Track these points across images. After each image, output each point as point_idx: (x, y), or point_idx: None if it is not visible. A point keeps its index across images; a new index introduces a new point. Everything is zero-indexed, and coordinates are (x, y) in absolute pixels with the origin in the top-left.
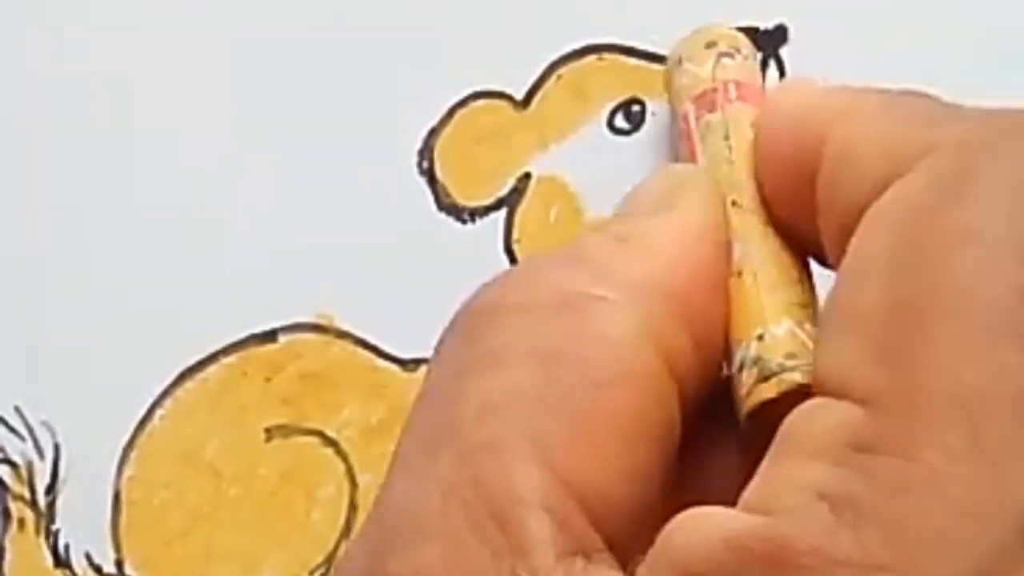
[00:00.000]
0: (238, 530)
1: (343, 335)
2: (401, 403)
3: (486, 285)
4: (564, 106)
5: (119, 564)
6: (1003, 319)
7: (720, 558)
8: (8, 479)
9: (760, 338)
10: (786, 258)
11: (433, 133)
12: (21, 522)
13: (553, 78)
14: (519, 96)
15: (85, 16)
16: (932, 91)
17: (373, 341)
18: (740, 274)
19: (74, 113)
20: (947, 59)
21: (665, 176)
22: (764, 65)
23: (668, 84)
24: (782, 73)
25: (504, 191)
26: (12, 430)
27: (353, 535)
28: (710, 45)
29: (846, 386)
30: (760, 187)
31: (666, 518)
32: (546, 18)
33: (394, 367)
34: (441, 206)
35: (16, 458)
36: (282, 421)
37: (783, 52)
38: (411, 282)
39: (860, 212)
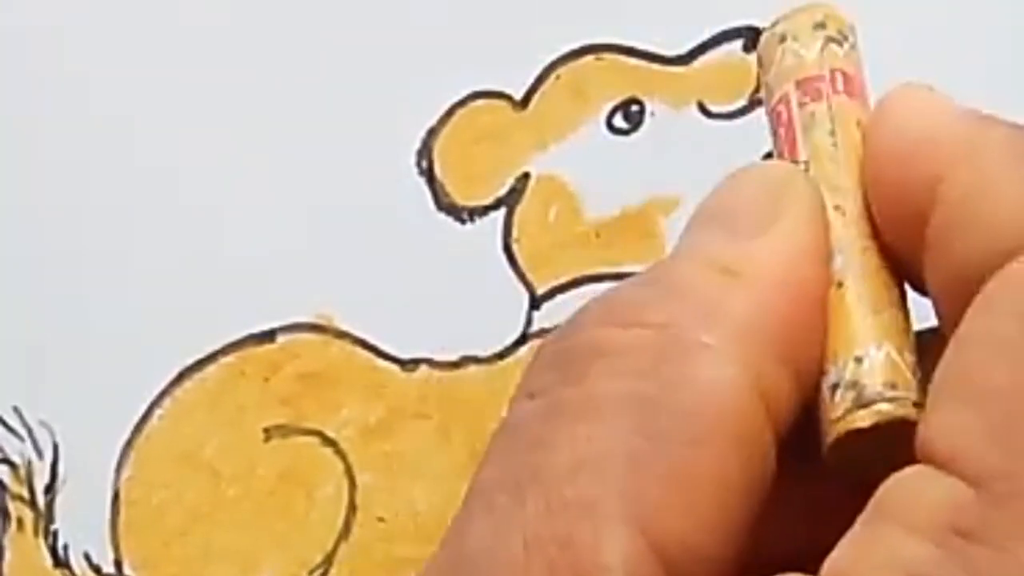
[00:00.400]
0: (237, 530)
1: (342, 335)
2: (400, 403)
3: (585, 314)
4: (563, 106)
5: (118, 564)
6: None
7: None
8: (7, 479)
9: (859, 360)
10: (887, 278)
11: (432, 133)
12: (20, 522)
13: (552, 78)
14: (518, 96)
15: (85, 16)
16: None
17: (372, 341)
18: (841, 285)
19: (74, 114)
20: (947, 59)
21: (764, 181)
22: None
23: (765, 61)
24: None
25: (503, 191)
26: (11, 430)
27: (352, 535)
28: (818, 26)
29: (958, 461)
30: (866, 197)
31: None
32: (545, 18)
33: (393, 367)
34: (440, 206)
35: (15, 458)
36: (281, 421)
37: None
38: (410, 282)
39: (979, 268)
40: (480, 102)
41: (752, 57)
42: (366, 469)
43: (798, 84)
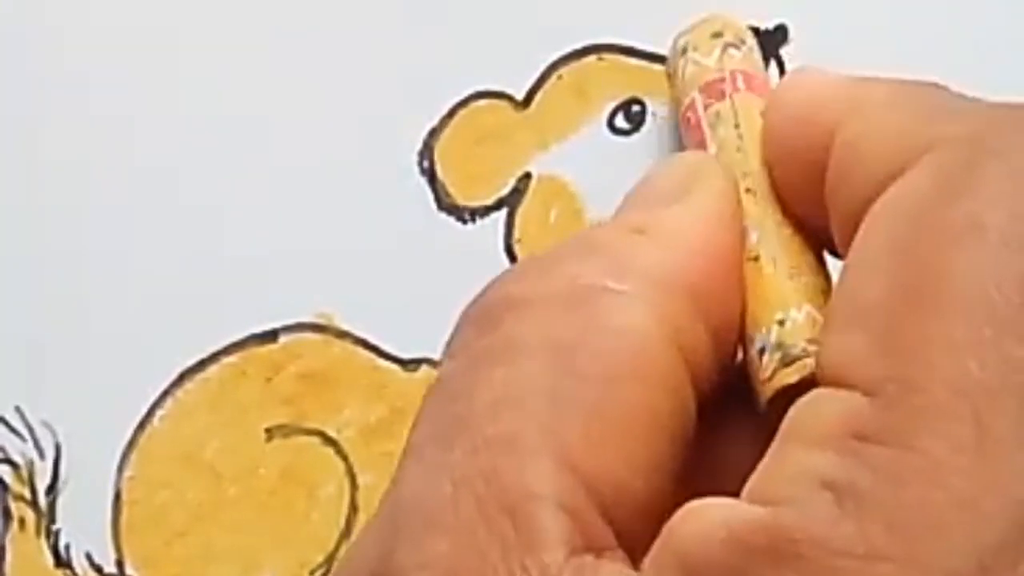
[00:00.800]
0: (238, 530)
1: (343, 335)
2: (401, 403)
3: (500, 277)
4: (564, 106)
5: (119, 564)
6: (1007, 313)
7: (722, 551)
8: (9, 479)
9: (781, 323)
10: (801, 245)
11: (433, 133)
12: (22, 522)
13: (553, 78)
14: (519, 96)
15: (85, 16)
16: None
17: (373, 341)
18: (757, 259)
19: (74, 113)
20: (947, 58)
21: (678, 164)
22: (764, 65)
23: (672, 73)
24: (782, 73)
25: (504, 191)
26: (12, 430)
27: (354, 535)
28: (716, 35)
29: (850, 376)
30: (772, 176)
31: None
32: (546, 18)
33: (394, 367)
34: (441, 206)
35: (17, 458)
36: (282, 421)
37: (783, 52)
38: (411, 282)
39: (867, 206)
40: (481, 102)
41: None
42: (368, 469)
43: (701, 89)
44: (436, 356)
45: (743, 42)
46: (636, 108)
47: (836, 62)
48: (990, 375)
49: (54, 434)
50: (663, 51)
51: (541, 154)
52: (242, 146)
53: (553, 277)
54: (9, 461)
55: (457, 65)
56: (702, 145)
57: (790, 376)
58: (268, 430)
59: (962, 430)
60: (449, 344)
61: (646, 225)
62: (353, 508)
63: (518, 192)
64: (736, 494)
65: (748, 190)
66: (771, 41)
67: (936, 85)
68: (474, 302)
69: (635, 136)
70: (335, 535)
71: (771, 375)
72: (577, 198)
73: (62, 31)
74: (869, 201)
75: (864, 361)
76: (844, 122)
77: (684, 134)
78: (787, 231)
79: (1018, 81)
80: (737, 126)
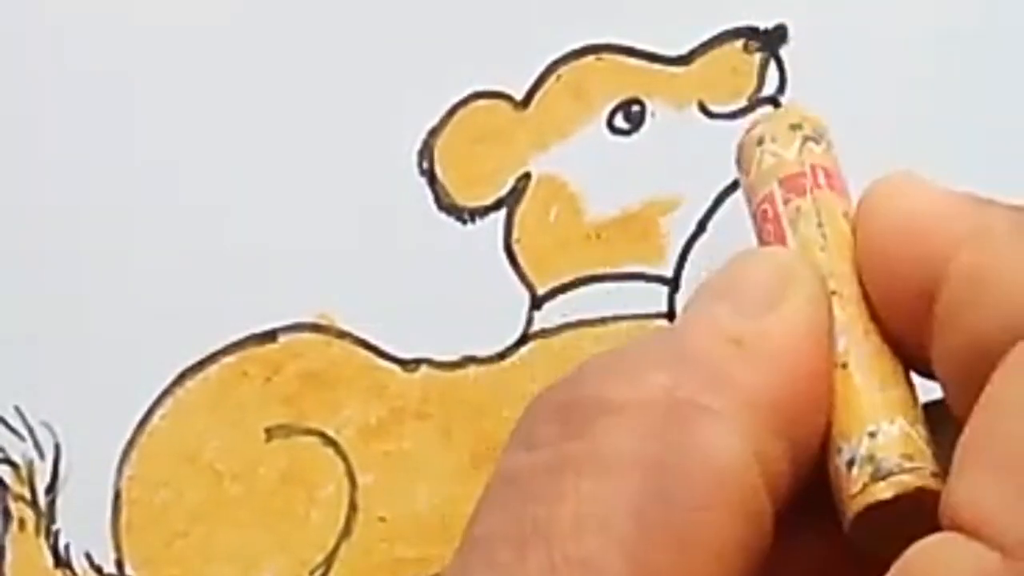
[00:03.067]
0: (238, 530)
1: (343, 335)
2: (401, 403)
3: (587, 369)
4: (564, 106)
5: (119, 564)
6: None
7: None
8: (8, 479)
9: (872, 435)
10: (890, 357)
11: (433, 133)
12: (21, 522)
13: (553, 78)
14: (519, 96)
15: (85, 16)
16: (932, 89)
17: (373, 341)
18: (846, 366)
19: (74, 113)
20: (947, 58)
21: (768, 262)
22: (764, 65)
23: (745, 163)
24: (782, 73)
25: (504, 191)
26: (12, 430)
27: (353, 535)
28: (795, 127)
29: (984, 527)
30: (860, 283)
31: None
32: (546, 18)
33: (394, 367)
34: (441, 206)
35: (16, 458)
36: (282, 421)
37: (783, 52)
38: (411, 282)
39: (991, 344)
40: (481, 102)
41: (755, 56)
42: (367, 469)
43: (780, 182)
44: (435, 356)
45: (822, 136)
46: (635, 108)
47: (837, 62)
48: None
49: (54, 434)
50: (663, 51)
51: (540, 154)
52: (242, 146)
53: (647, 384)
54: (9, 461)
55: (457, 65)
56: (780, 240)
57: (884, 492)
58: (268, 430)
59: None
60: (525, 431)
61: (742, 336)
62: (353, 508)
63: (517, 192)
64: None
65: (834, 292)
66: (771, 41)
67: None
68: (558, 390)
69: (634, 136)
70: (335, 535)
71: (861, 489)
72: (576, 198)
73: (62, 30)
74: (994, 340)
75: (1003, 514)
76: (963, 248)
77: (760, 227)
78: (876, 339)
79: (1018, 81)
80: (820, 224)
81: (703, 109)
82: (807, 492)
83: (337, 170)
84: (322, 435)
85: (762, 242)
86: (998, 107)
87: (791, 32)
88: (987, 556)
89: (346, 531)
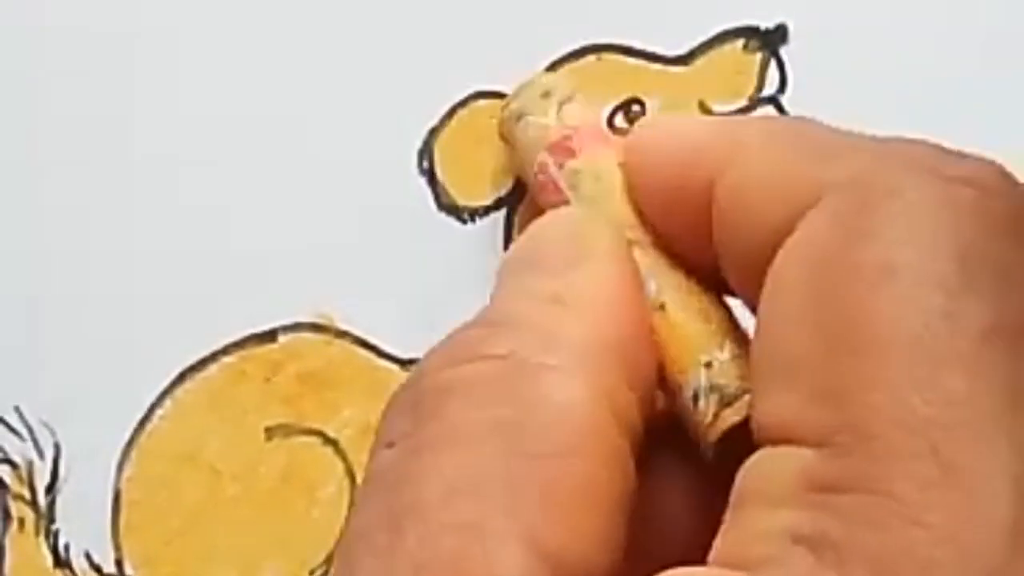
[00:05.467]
0: (238, 530)
1: (343, 335)
2: None
3: (425, 361)
4: None
5: (119, 564)
6: (937, 346)
7: None
8: (8, 479)
9: (708, 366)
10: (699, 286)
11: (433, 133)
12: (21, 522)
13: None
14: None
15: (85, 15)
16: (933, 89)
17: (373, 341)
18: (663, 307)
19: (75, 113)
20: (947, 58)
21: (562, 225)
22: (764, 65)
23: (509, 140)
24: (782, 73)
25: (504, 191)
26: (12, 430)
27: None
28: (546, 95)
29: (794, 432)
30: (649, 226)
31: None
32: (546, 18)
33: (394, 367)
34: (441, 206)
35: (16, 458)
36: (282, 421)
37: (783, 52)
38: (411, 282)
39: (762, 251)
40: (481, 102)
41: (755, 56)
42: None
43: (549, 149)
44: None
45: (573, 96)
46: (635, 108)
47: (836, 62)
48: (937, 410)
49: (53, 434)
50: (662, 51)
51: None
52: (242, 145)
53: (483, 357)
54: (8, 461)
55: (457, 65)
56: (563, 204)
57: (734, 415)
58: (268, 430)
59: (925, 467)
60: (381, 433)
61: (560, 294)
62: (353, 507)
63: (518, 192)
64: (679, 547)
65: (632, 241)
66: (771, 41)
67: (808, 120)
68: (403, 390)
69: None
70: (335, 535)
71: (713, 419)
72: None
73: (61, 29)
74: (763, 248)
75: (805, 415)
76: (722, 168)
77: (541, 197)
78: (682, 276)
79: (1019, 81)
80: (598, 179)
81: (703, 109)
82: (669, 432)
83: (337, 170)
84: (322, 435)
85: (545, 210)
86: (999, 107)
87: (791, 32)
88: (804, 454)
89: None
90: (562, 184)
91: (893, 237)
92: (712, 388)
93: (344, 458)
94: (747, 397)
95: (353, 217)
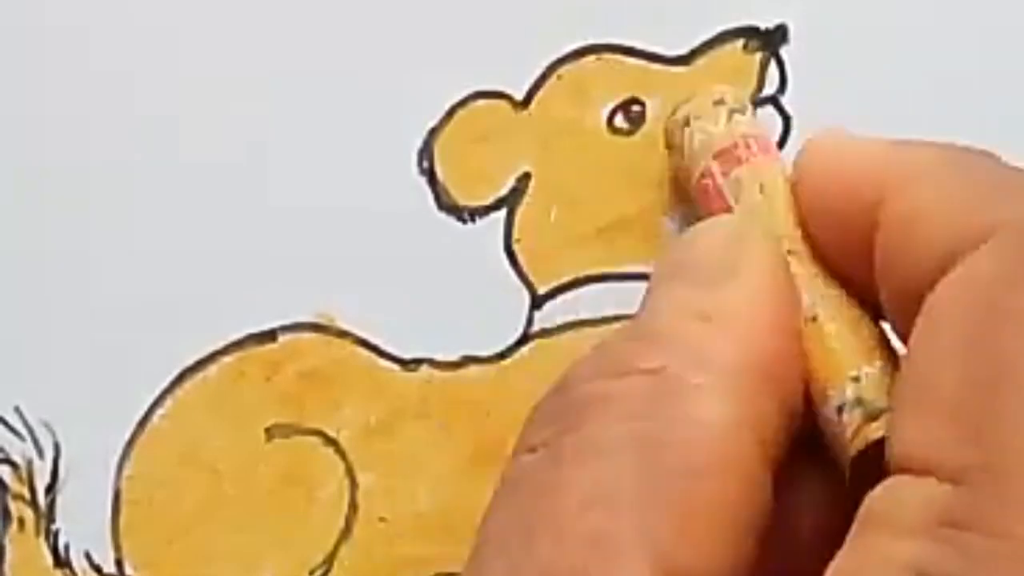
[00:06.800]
0: (238, 530)
1: (343, 335)
2: (401, 403)
3: (572, 370)
4: (564, 106)
5: (119, 564)
6: None
7: None
8: (8, 479)
9: (856, 380)
10: (853, 301)
11: (433, 133)
12: (21, 522)
13: (553, 78)
14: (519, 96)
15: (85, 15)
16: (933, 89)
17: (373, 341)
18: (815, 319)
19: (75, 112)
20: (947, 58)
21: (717, 233)
22: (764, 65)
23: (676, 145)
24: (782, 73)
25: (504, 191)
26: (12, 430)
27: (354, 535)
28: (718, 103)
29: (931, 463)
30: (809, 241)
31: None
32: (546, 18)
33: (394, 367)
34: (441, 206)
35: (16, 458)
36: (282, 421)
37: (783, 52)
38: (411, 282)
39: (922, 281)
40: (481, 102)
41: (755, 56)
42: (367, 469)
43: (715, 156)
44: (436, 356)
45: (745, 107)
46: (636, 108)
47: (836, 62)
48: None
49: (53, 434)
50: (663, 51)
51: (541, 154)
52: (242, 145)
53: (629, 371)
54: (8, 461)
55: (457, 65)
56: (726, 212)
57: (877, 431)
58: (268, 430)
59: None
60: (525, 437)
61: (708, 310)
62: (353, 508)
63: (518, 192)
64: (803, 566)
65: (789, 252)
66: (771, 41)
67: (986, 154)
68: (550, 397)
69: (634, 136)
70: (335, 535)
71: (856, 431)
72: (577, 198)
73: (60, 28)
74: (924, 279)
75: (946, 449)
76: (892, 194)
77: (702, 203)
78: (838, 290)
79: (1019, 81)
80: (762, 190)
81: None
82: (808, 453)
83: (337, 169)
84: (322, 435)
85: (708, 216)
86: (1000, 107)
87: (791, 32)
88: (940, 487)
89: (346, 531)
90: (726, 192)
91: None
92: (858, 401)
93: (344, 458)
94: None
95: (353, 217)
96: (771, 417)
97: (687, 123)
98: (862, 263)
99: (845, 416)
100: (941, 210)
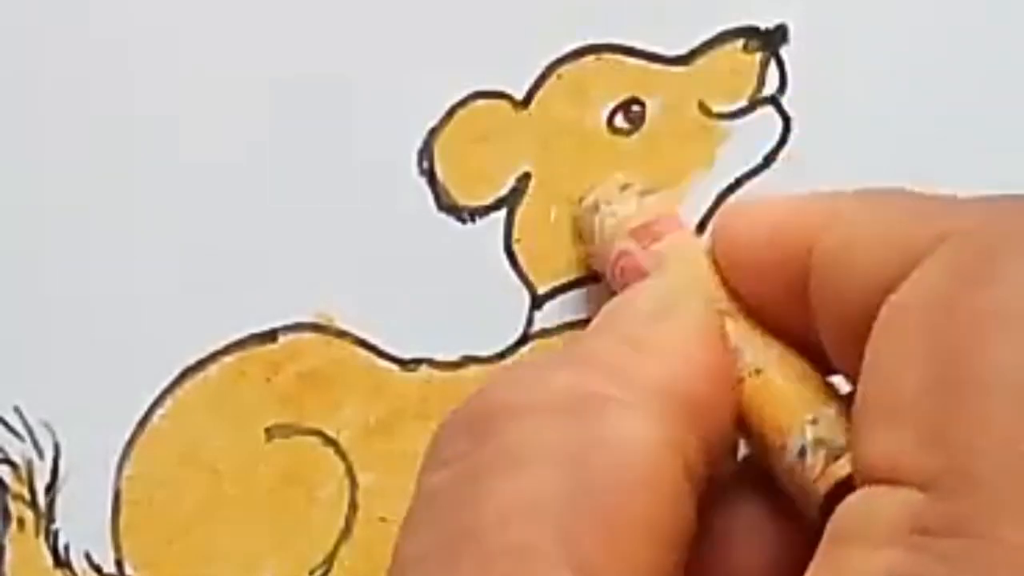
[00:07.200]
0: (238, 530)
1: (343, 335)
2: (401, 403)
3: (490, 385)
4: (564, 106)
5: (119, 564)
6: None
7: None
8: (8, 479)
9: (813, 422)
10: (797, 354)
11: (433, 133)
12: (21, 522)
13: (553, 78)
14: (519, 96)
15: (85, 15)
16: (933, 89)
17: (373, 341)
18: (759, 372)
19: (74, 112)
20: (949, 58)
21: (655, 288)
22: (764, 65)
23: (585, 233)
24: (782, 73)
25: (504, 191)
26: (12, 430)
27: (353, 535)
28: (625, 187)
29: (898, 472)
30: (741, 302)
31: None
32: (546, 18)
33: (394, 367)
34: (441, 206)
35: (16, 458)
36: (282, 421)
37: (783, 52)
38: (411, 282)
39: (865, 311)
40: (481, 102)
41: (755, 56)
42: (367, 469)
43: (631, 234)
44: (435, 356)
45: (650, 190)
46: (636, 108)
47: (836, 62)
48: None
49: (53, 434)
50: (663, 51)
51: (541, 154)
52: (241, 145)
53: (549, 386)
54: (8, 461)
55: (457, 65)
56: None
57: (843, 468)
58: (268, 430)
59: None
60: (436, 453)
61: (638, 339)
62: (353, 508)
63: (518, 192)
64: None
65: (723, 312)
66: (771, 41)
67: (902, 190)
68: (463, 409)
69: (634, 136)
70: (335, 535)
71: (821, 472)
72: (576, 198)
73: (60, 28)
74: (867, 306)
75: (911, 456)
76: (820, 236)
77: (621, 285)
78: (777, 343)
79: (1019, 81)
80: (685, 261)
81: (703, 109)
82: (743, 489)
83: (336, 169)
84: (322, 435)
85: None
86: (1001, 107)
87: (791, 32)
88: (907, 495)
89: (346, 531)
90: (647, 268)
91: (1010, 283)
92: (819, 442)
93: (344, 458)
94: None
95: (353, 217)
96: (692, 444)
97: (596, 209)
98: (800, 315)
99: (808, 459)
100: (878, 234)
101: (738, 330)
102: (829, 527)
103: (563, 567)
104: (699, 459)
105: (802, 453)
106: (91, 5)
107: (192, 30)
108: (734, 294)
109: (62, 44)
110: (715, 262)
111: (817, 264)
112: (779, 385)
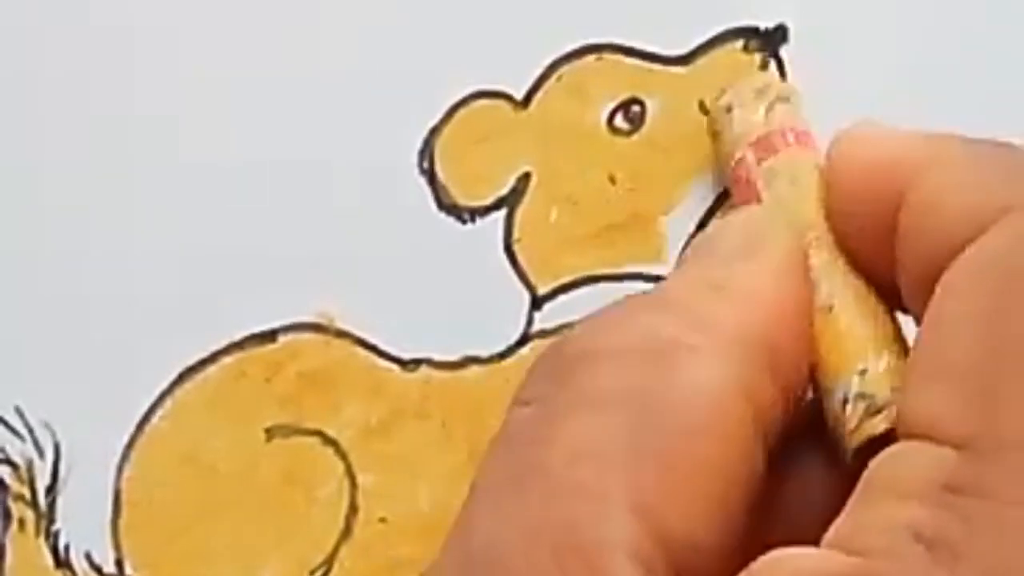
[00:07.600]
0: (238, 530)
1: (343, 335)
2: (401, 403)
3: (575, 328)
4: (564, 106)
5: (119, 564)
6: None
7: None
8: (8, 479)
9: (862, 373)
10: (871, 294)
11: (433, 133)
12: (21, 522)
13: (553, 78)
14: (519, 96)
15: (85, 15)
16: (933, 89)
17: (373, 341)
18: (831, 309)
19: (74, 112)
20: (948, 58)
21: (743, 220)
22: (764, 65)
23: (717, 132)
24: (782, 73)
25: (504, 191)
26: (12, 430)
27: (353, 535)
28: (760, 92)
29: (939, 430)
30: (835, 229)
31: (746, 564)
32: (546, 18)
33: (394, 367)
34: (441, 206)
35: (16, 458)
36: (282, 421)
37: (783, 52)
38: (411, 282)
39: (940, 264)
40: (481, 102)
41: (755, 56)
42: (367, 469)
43: (752, 145)
44: (435, 356)
45: (788, 99)
46: (636, 108)
47: (836, 62)
48: None
49: (53, 434)
50: (662, 51)
51: (541, 154)
52: (241, 145)
53: (630, 330)
54: (8, 461)
55: (457, 65)
56: (757, 201)
57: (878, 426)
58: (268, 430)
59: None
60: (521, 391)
61: (721, 281)
62: (353, 508)
63: (518, 192)
64: (801, 540)
65: (815, 240)
66: (771, 41)
67: (1011, 145)
68: (548, 352)
69: (634, 136)
70: (335, 535)
71: (857, 425)
72: (577, 198)
73: (60, 28)
74: (946, 257)
75: (954, 416)
76: (917, 179)
77: (736, 191)
78: (856, 281)
79: (1019, 81)
80: (793, 181)
81: (703, 109)
82: (810, 428)
83: (337, 170)
84: (322, 435)
85: (740, 204)
86: (1001, 107)
87: (791, 32)
88: (945, 453)
89: (346, 531)
90: (757, 181)
91: None
92: (861, 396)
93: (344, 458)
94: (894, 408)
95: (353, 217)
96: (767, 391)
97: (728, 110)
98: (886, 256)
99: (848, 409)
100: (962, 192)
101: (820, 263)
102: (864, 476)
103: (623, 508)
104: (773, 407)
105: (844, 402)
106: (91, 5)
107: (192, 30)
108: (833, 222)
109: (62, 44)
110: (824, 184)
111: (907, 209)
112: (842, 328)
